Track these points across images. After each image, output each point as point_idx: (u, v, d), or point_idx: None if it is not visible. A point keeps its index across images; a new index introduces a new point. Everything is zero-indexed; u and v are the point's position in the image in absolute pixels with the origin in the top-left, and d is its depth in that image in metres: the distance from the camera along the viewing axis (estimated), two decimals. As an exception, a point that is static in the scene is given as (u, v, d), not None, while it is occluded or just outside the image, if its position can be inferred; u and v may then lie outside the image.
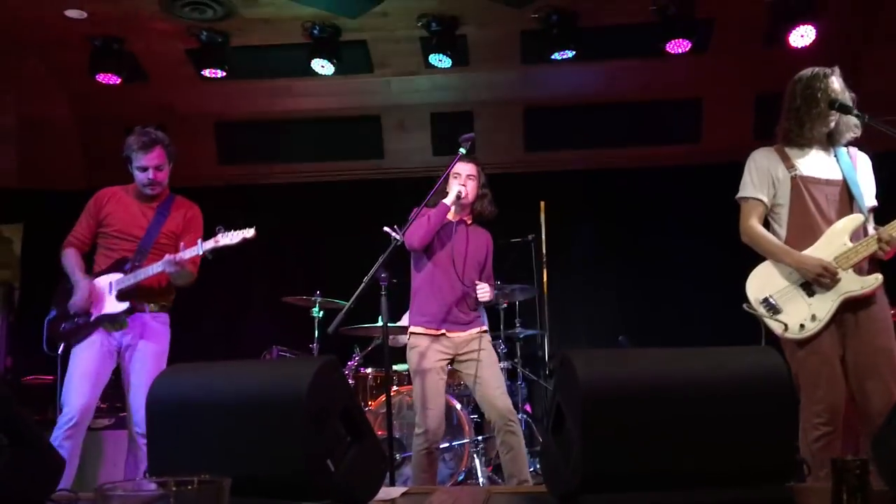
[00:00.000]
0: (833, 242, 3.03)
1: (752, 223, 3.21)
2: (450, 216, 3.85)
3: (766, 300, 3.09)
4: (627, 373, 1.77)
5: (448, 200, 3.73)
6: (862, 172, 3.18)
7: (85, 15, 5.43)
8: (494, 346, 4.05)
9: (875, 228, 3.06)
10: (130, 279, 3.57)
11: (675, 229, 6.34)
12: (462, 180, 3.84)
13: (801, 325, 2.99)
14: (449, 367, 3.87)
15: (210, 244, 3.47)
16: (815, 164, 3.17)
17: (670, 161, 6.49)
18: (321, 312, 5.15)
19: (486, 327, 3.95)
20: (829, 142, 3.20)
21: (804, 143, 3.19)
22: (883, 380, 2.92)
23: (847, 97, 3.15)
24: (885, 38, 5.65)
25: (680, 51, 5.38)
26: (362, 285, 2.95)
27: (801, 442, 2.86)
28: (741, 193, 3.28)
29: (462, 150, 3.29)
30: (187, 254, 3.47)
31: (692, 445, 1.71)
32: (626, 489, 1.70)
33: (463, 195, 3.78)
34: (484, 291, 3.84)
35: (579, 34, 5.45)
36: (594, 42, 5.56)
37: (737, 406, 1.75)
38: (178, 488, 0.57)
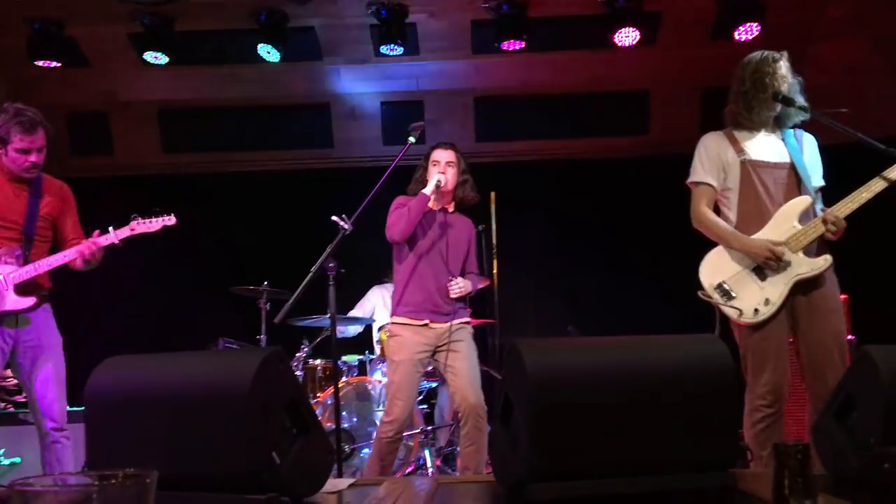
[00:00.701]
0: (781, 225, 3.06)
1: (703, 208, 3.23)
2: (431, 205, 3.82)
3: (719, 286, 3.10)
4: (574, 362, 1.78)
5: (427, 190, 3.71)
6: (808, 153, 3.22)
7: (23, -4, 5.26)
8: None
9: (822, 210, 3.09)
10: (30, 271, 3.37)
11: (624, 220, 6.41)
12: (441, 168, 3.82)
13: (756, 310, 3.01)
14: (431, 358, 3.85)
15: (125, 232, 3.35)
16: (764, 147, 3.19)
17: (618, 153, 6.56)
18: (269, 304, 5.08)
19: (467, 319, 3.94)
20: (777, 124, 3.24)
21: (752, 127, 3.22)
22: (835, 366, 2.94)
23: (794, 83, 3.20)
24: (826, 34, 5.79)
25: (628, 42, 5.43)
26: (310, 274, 2.91)
27: (745, 426, 2.88)
28: (691, 178, 3.31)
29: (411, 139, 3.27)
30: (102, 241, 3.35)
31: (638, 434, 1.72)
32: (573, 478, 1.70)
33: (443, 183, 3.75)
34: (457, 287, 3.82)
35: (529, 24, 5.46)
36: (544, 32, 5.57)
37: (682, 394, 1.77)
38: (101, 483, 0.54)
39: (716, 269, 3.15)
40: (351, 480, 2.05)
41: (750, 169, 3.14)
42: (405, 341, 3.76)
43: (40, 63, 5.59)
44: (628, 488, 1.71)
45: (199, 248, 6.33)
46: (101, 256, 3.50)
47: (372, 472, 3.73)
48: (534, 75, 6.18)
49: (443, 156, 3.86)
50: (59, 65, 5.62)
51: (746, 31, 5.38)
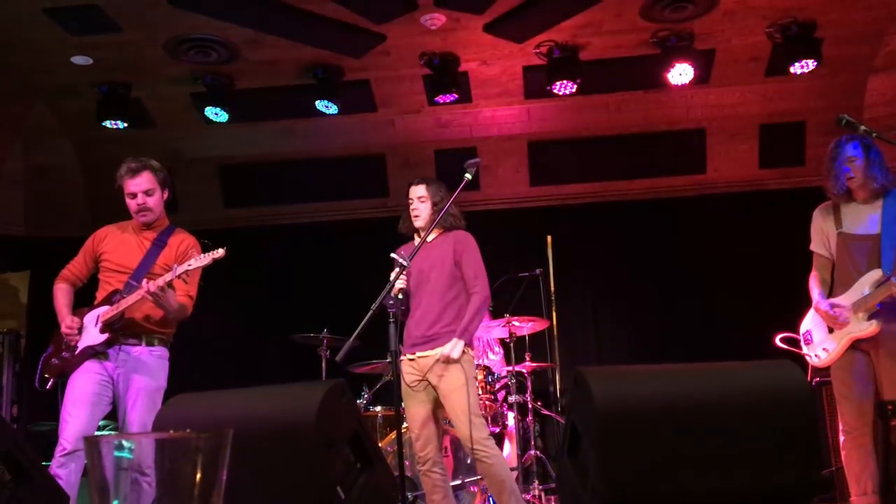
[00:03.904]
0: (856, 291, 3.54)
1: (812, 273, 3.79)
2: (416, 239, 3.81)
3: (805, 332, 3.78)
4: (644, 389, 1.73)
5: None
6: None
7: (91, 61, 5.51)
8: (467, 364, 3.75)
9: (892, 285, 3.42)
10: (113, 309, 3.51)
11: (684, 260, 6.31)
12: (413, 203, 3.83)
13: (817, 356, 3.67)
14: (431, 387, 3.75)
15: (183, 268, 3.43)
16: (858, 219, 3.61)
17: (675, 192, 6.49)
18: (328, 351, 5.11)
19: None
20: (881, 193, 3.56)
21: (849, 199, 3.62)
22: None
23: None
24: (885, 65, 5.69)
25: (682, 81, 5.40)
26: (370, 312, 2.90)
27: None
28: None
29: (468, 176, 3.27)
30: (163, 278, 3.43)
31: (710, 463, 1.66)
32: (647, 510, 1.64)
33: (397, 292, 3.54)
34: (447, 355, 3.61)
35: (581, 67, 5.49)
36: (596, 75, 5.60)
37: (755, 421, 1.70)
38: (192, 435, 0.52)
39: (808, 320, 3.79)
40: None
41: (843, 240, 3.62)
42: (404, 372, 3.71)
43: (108, 124, 5.82)
44: (704, 521, 1.64)
45: (260, 299, 6.43)
46: (181, 300, 3.59)
47: None
48: (586, 117, 6.20)
49: (413, 192, 3.86)
50: (126, 125, 5.85)
51: (802, 67, 5.31)
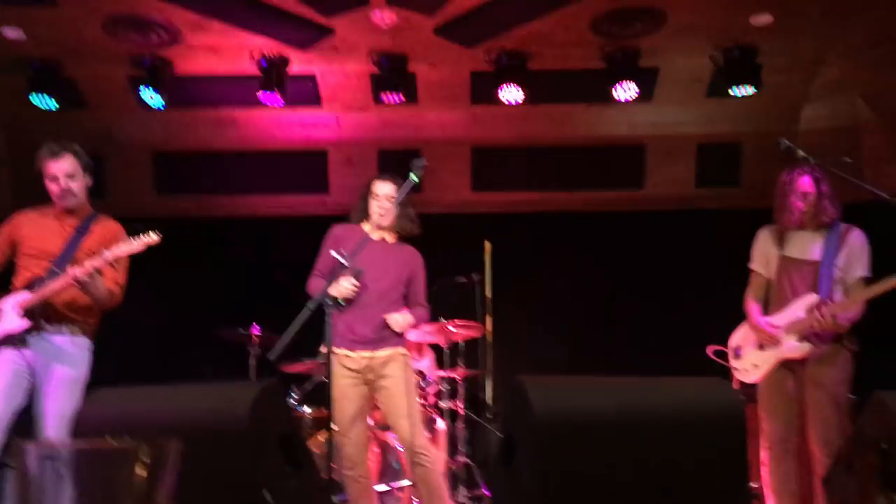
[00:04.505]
0: (791, 314, 3.63)
1: (747, 291, 3.89)
2: (373, 235, 3.76)
3: (735, 347, 3.89)
4: (581, 401, 1.72)
5: (333, 291, 3.50)
6: (847, 251, 3.62)
7: (24, 37, 5.27)
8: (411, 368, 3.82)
9: (824, 306, 3.52)
10: (35, 296, 3.37)
11: (620, 273, 6.41)
12: (380, 201, 3.75)
13: (747, 371, 3.79)
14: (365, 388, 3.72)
15: (113, 252, 3.32)
16: (800, 244, 3.70)
17: (613, 206, 6.58)
18: (258, 349, 5.00)
19: (400, 349, 3.74)
20: (823, 223, 3.66)
21: (790, 227, 3.71)
22: (817, 433, 3.55)
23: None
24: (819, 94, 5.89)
25: (627, 97, 5.47)
26: (306, 310, 2.83)
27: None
28: (750, 264, 3.92)
29: (414, 178, 3.22)
30: (91, 263, 3.31)
31: (646, 474, 1.66)
32: (580, 523, 1.63)
33: (347, 294, 3.62)
34: (395, 322, 3.65)
35: (528, 76, 5.51)
36: (543, 85, 5.63)
37: (690, 435, 1.71)
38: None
39: (740, 335, 3.90)
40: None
41: (784, 264, 3.72)
42: (336, 372, 3.64)
43: (37, 102, 5.57)
44: (636, 535, 1.64)
45: (186, 291, 6.26)
46: (109, 286, 3.46)
47: None
48: (531, 127, 6.23)
49: (384, 189, 3.77)
50: (57, 105, 5.61)
51: (742, 90, 5.44)
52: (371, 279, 3.69)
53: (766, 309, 3.80)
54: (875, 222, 3.68)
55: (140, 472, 0.46)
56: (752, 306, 3.82)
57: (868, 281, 3.57)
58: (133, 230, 3.55)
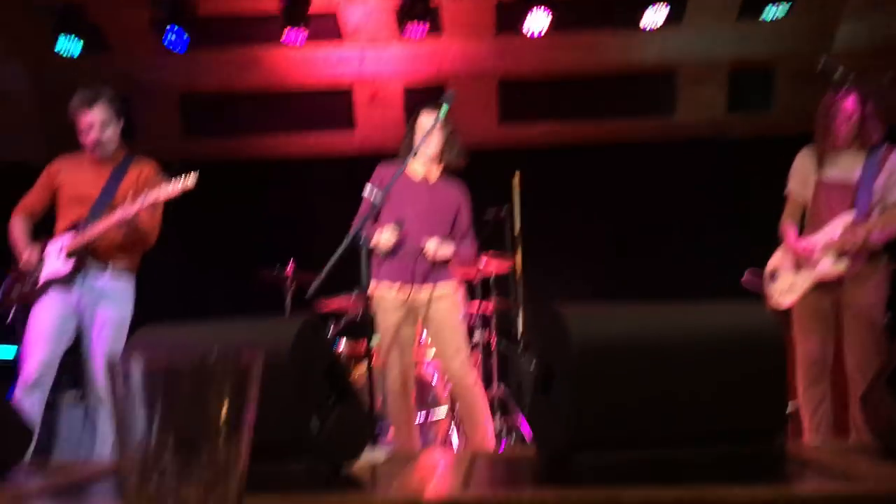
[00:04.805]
0: (828, 234, 3.58)
1: (784, 214, 3.83)
2: (414, 175, 3.73)
3: (772, 271, 3.84)
4: (620, 327, 1.73)
5: (373, 240, 3.56)
6: (887, 173, 3.57)
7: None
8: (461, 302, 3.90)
9: (860, 225, 3.50)
10: (79, 238, 3.45)
11: (650, 203, 6.35)
12: (425, 132, 3.65)
13: (781, 294, 3.73)
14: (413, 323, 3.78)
15: (152, 195, 3.37)
16: (840, 166, 3.64)
17: (644, 135, 6.48)
18: (294, 286, 5.07)
19: (451, 283, 3.76)
20: (866, 145, 3.61)
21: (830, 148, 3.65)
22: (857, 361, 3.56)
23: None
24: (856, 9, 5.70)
25: (655, 22, 5.34)
26: (343, 245, 2.86)
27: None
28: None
29: (445, 106, 3.19)
30: (131, 208, 3.36)
31: (683, 401, 1.67)
32: (618, 447, 1.66)
33: (388, 246, 3.62)
34: (430, 250, 3.61)
35: (555, 3, 5.39)
36: (569, 10, 5.50)
37: (728, 361, 1.72)
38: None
39: (776, 259, 3.86)
40: (387, 452, 2.02)
41: (823, 186, 3.67)
42: (384, 307, 3.69)
43: (62, 48, 5.57)
44: (673, 458, 1.67)
45: (220, 233, 6.33)
46: (147, 226, 3.54)
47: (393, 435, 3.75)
48: (558, 56, 6.11)
49: (428, 120, 3.66)
50: (80, 50, 5.61)
51: (775, 9, 5.28)
52: (422, 213, 3.68)
53: (802, 233, 3.76)
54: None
55: (228, 389, 0.47)
56: (789, 228, 3.78)
57: None
58: (168, 171, 3.60)
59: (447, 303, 3.72)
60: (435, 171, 3.84)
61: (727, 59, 6.12)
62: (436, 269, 3.70)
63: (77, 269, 3.45)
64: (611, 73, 6.28)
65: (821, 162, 3.67)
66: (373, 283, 3.74)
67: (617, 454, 1.66)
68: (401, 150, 3.81)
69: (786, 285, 3.71)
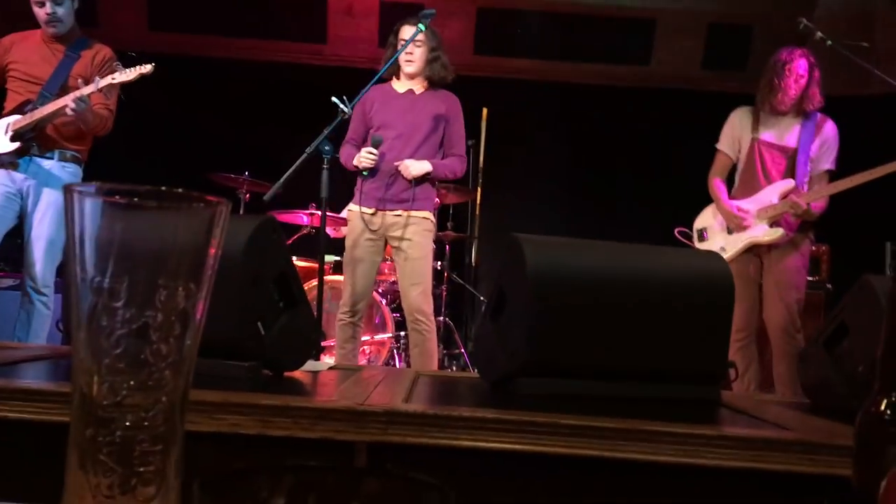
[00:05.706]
0: (763, 199, 3.63)
1: (711, 172, 3.87)
2: (398, 87, 3.64)
3: (700, 230, 3.87)
4: (576, 259, 1.73)
5: (357, 162, 3.51)
6: (821, 140, 3.60)
7: None
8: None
9: (797, 195, 3.55)
10: (26, 119, 3.35)
11: (616, 149, 6.35)
12: (409, 48, 3.56)
13: None
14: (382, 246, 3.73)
15: (106, 80, 3.27)
16: (778, 129, 3.66)
17: (617, 80, 6.43)
18: (248, 195, 4.98)
19: (426, 213, 3.69)
20: (801, 110, 3.61)
21: (768, 109, 3.68)
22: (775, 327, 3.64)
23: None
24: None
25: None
26: (304, 155, 2.80)
27: None
28: (718, 144, 3.92)
29: (421, 27, 3.11)
30: (85, 90, 3.26)
31: (634, 338, 1.69)
32: (564, 376, 1.68)
33: (368, 165, 3.53)
34: (405, 169, 3.54)
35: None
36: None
37: (682, 304, 1.74)
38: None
39: (705, 218, 3.88)
40: (331, 363, 2.02)
41: (757, 147, 3.67)
42: (357, 230, 3.64)
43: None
44: (617, 391, 1.69)
45: (176, 132, 6.17)
46: (100, 112, 3.42)
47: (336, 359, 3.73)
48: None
49: (409, 33, 3.53)
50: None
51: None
52: (399, 135, 3.58)
53: (732, 191, 3.81)
54: (885, 115, 3.66)
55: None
56: (720, 188, 3.78)
57: (833, 175, 3.58)
58: (126, 63, 3.47)
59: (419, 231, 3.65)
60: (420, 86, 3.73)
61: (708, 12, 6.06)
62: (411, 194, 3.60)
63: (22, 151, 3.35)
64: (592, 13, 6.17)
65: (756, 122, 3.68)
66: (350, 206, 3.70)
67: (561, 383, 1.68)
68: (383, 62, 3.70)
69: (716, 246, 3.71)
